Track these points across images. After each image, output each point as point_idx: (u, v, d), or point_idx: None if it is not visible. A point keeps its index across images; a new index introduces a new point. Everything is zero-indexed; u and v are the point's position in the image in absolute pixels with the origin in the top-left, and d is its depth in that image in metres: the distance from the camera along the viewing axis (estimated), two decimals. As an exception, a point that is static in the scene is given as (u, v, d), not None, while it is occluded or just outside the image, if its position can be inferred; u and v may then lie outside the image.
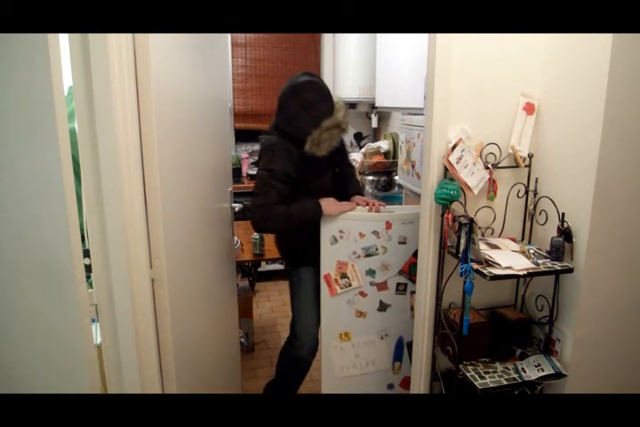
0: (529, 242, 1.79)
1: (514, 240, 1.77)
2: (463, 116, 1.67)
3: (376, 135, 4.20)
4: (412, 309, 2.06)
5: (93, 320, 1.20)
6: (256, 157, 3.95)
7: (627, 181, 1.52)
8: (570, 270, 1.57)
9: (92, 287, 1.20)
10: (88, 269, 1.18)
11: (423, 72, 1.80)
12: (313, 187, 1.98)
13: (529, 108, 1.70)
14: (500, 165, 1.73)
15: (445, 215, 1.66)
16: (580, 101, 1.53)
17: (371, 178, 3.39)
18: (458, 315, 1.65)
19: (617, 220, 1.55)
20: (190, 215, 1.59)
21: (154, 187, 1.29)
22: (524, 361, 1.69)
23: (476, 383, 1.60)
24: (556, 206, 1.62)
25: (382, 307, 2.09)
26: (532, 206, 1.76)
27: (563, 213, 1.60)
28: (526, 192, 1.77)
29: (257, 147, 4.13)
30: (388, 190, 3.37)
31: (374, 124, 4.07)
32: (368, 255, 2.02)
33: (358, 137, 4.18)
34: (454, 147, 1.64)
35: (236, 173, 3.81)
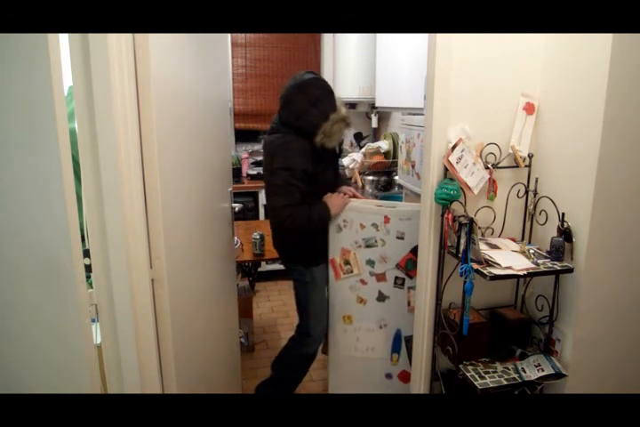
0: (529, 242, 1.79)
1: (514, 240, 1.77)
2: (463, 116, 1.67)
3: (376, 135, 4.20)
4: (408, 304, 2.10)
5: (93, 320, 1.20)
6: (256, 157, 3.99)
7: (627, 181, 1.52)
8: (570, 270, 1.57)
9: (91, 287, 1.20)
10: (88, 269, 1.18)
11: (423, 72, 1.81)
12: (320, 180, 2.00)
13: (529, 108, 1.70)
14: (500, 165, 1.73)
15: (445, 215, 1.66)
16: (579, 101, 1.53)
17: (371, 178, 3.39)
18: (458, 315, 1.65)
19: (617, 220, 1.55)
20: (190, 215, 1.59)
21: (154, 187, 1.29)
22: (524, 361, 1.69)
23: (475, 383, 1.60)
24: (555, 206, 1.62)
25: (381, 297, 2.14)
26: (531, 206, 1.76)
27: (563, 213, 1.60)
28: (526, 192, 1.77)
29: (257, 147, 4.14)
30: (387, 190, 3.37)
31: (374, 124, 4.07)
32: (368, 246, 2.10)
33: (358, 137, 4.18)
34: (454, 147, 1.64)
35: (236, 173, 3.81)
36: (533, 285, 1.80)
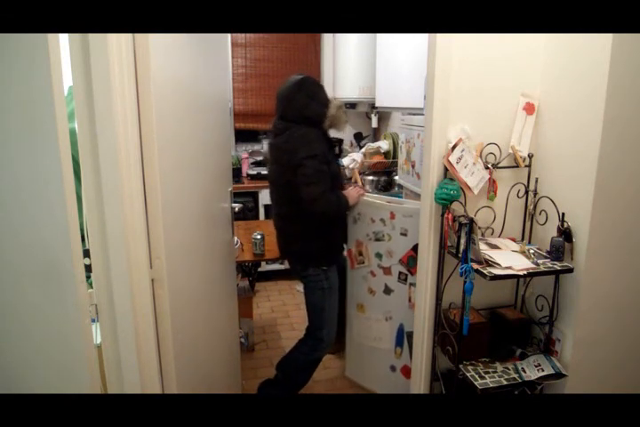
0: (529, 242, 1.79)
1: (514, 240, 1.77)
2: (463, 116, 1.68)
3: (376, 135, 4.20)
4: (409, 300, 2.13)
5: (93, 320, 1.20)
6: (256, 157, 4.00)
7: (627, 180, 1.52)
8: (570, 270, 1.57)
9: (91, 287, 1.20)
10: (88, 269, 1.18)
11: (423, 72, 1.81)
12: (332, 170, 2.06)
13: (529, 108, 1.70)
14: (500, 165, 1.73)
15: (445, 215, 1.66)
16: (580, 101, 1.53)
17: (371, 178, 3.39)
18: (458, 315, 1.65)
19: (617, 220, 1.55)
20: (190, 215, 1.59)
21: (154, 187, 1.29)
22: (524, 361, 1.69)
23: (475, 383, 1.60)
24: (555, 206, 1.62)
25: (387, 290, 2.21)
26: (532, 206, 1.76)
27: (563, 213, 1.60)
28: (526, 192, 1.77)
29: (257, 147, 4.14)
30: (388, 190, 3.37)
31: (374, 124, 4.06)
32: (377, 240, 2.20)
33: (358, 137, 4.18)
34: (454, 147, 1.64)
35: (236, 173, 3.81)
36: (533, 285, 1.80)
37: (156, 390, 1.36)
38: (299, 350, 2.25)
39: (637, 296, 1.65)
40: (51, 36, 0.97)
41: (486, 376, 1.64)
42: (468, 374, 1.65)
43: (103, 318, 1.23)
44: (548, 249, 1.63)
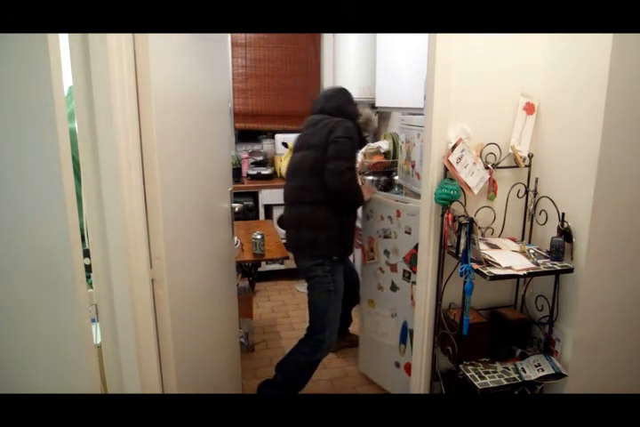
0: (529, 242, 1.79)
1: (514, 240, 1.77)
2: (463, 117, 1.68)
3: (376, 135, 4.20)
4: (411, 298, 2.14)
5: (93, 320, 1.20)
6: (257, 157, 3.99)
7: (627, 181, 1.52)
8: (570, 270, 1.57)
9: (91, 287, 1.20)
10: (88, 269, 1.18)
11: (423, 72, 1.81)
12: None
13: (529, 108, 1.70)
14: (500, 165, 1.73)
15: (445, 215, 1.66)
16: (580, 101, 1.53)
17: (371, 178, 3.39)
18: (458, 315, 1.65)
19: (617, 220, 1.55)
20: (190, 215, 1.59)
21: (154, 187, 1.29)
22: (524, 361, 1.69)
23: (475, 383, 1.60)
24: (555, 206, 1.62)
25: (393, 287, 2.24)
26: (532, 206, 1.76)
27: (563, 213, 1.60)
28: (526, 192, 1.77)
29: (257, 147, 4.14)
30: (387, 190, 3.37)
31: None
32: (385, 237, 2.25)
33: (358, 137, 4.17)
34: (454, 147, 1.64)
35: (236, 173, 3.81)
36: (533, 285, 1.80)
37: (156, 390, 1.36)
38: (299, 351, 2.25)
39: (637, 296, 1.65)
40: (51, 36, 0.97)
41: (486, 376, 1.64)
42: (468, 374, 1.65)
43: (103, 318, 1.23)
44: (548, 249, 1.63)
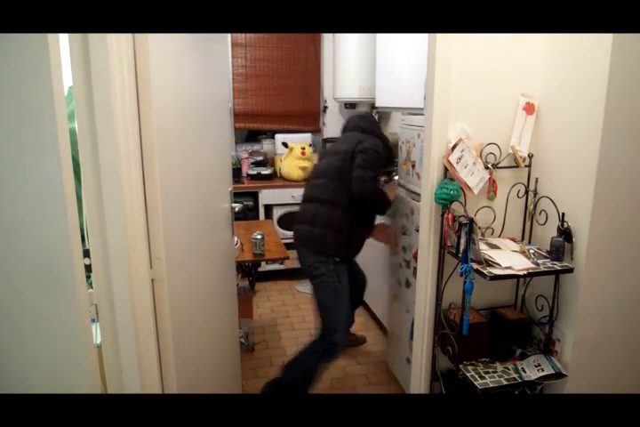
0: (529, 242, 1.79)
1: (514, 240, 1.77)
2: (463, 116, 1.68)
3: (376, 135, 4.19)
4: None
5: (93, 320, 1.20)
6: (256, 157, 3.99)
7: (627, 181, 1.52)
8: (570, 270, 1.57)
9: (91, 287, 1.20)
10: (88, 269, 1.18)
11: (423, 72, 1.81)
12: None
13: (529, 108, 1.70)
14: (500, 165, 1.73)
15: (445, 215, 1.66)
16: (580, 101, 1.53)
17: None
18: (458, 315, 1.65)
19: (617, 220, 1.55)
20: (190, 215, 1.59)
21: (154, 187, 1.29)
22: (524, 361, 1.69)
23: (475, 383, 1.60)
24: (556, 206, 1.62)
25: (407, 284, 2.27)
26: (532, 206, 1.76)
27: (563, 213, 1.60)
28: (526, 192, 1.77)
29: (257, 147, 4.14)
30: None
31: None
32: (403, 233, 2.32)
33: (358, 137, 4.17)
34: (454, 147, 1.64)
35: (236, 173, 3.81)
36: (533, 285, 1.80)
37: (156, 390, 1.36)
38: (311, 353, 2.22)
39: (637, 296, 1.65)
40: (51, 36, 0.97)
41: (486, 376, 1.64)
42: (468, 374, 1.65)
43: (103, 318, 1.23)
44: (548, 249, 1.63)
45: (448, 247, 1.71)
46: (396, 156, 2.51)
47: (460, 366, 1.69)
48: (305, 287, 3.74)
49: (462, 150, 1.65)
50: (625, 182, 1.52)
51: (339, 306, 2.19)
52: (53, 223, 1.06)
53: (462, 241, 1.56)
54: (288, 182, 3.82)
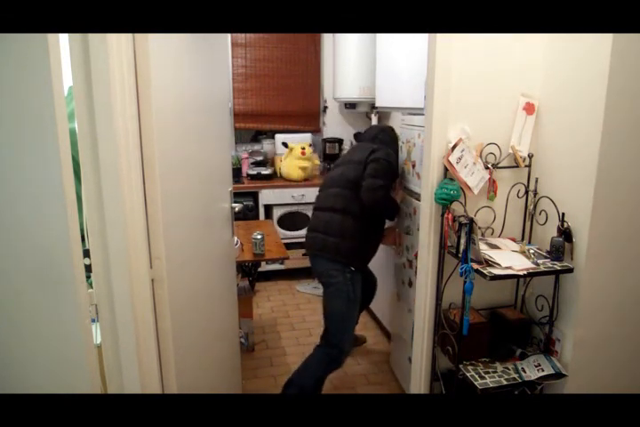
0: (529, 242, 1.79)
1: (514, 240, 1.77)
2: (463, 116, 1.68)
3: (376, 135, 4.19)
4: None
5: (93, 320, 1.20)
6: (256, 157, 3.99)
7: (627, 181, 1.52)
8: (570, 270, 1.57)
9: (91, 287, 1.20)
10: (88, 269, 1.18)
11: (423, 72, 1.81)
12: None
13: (529, 108, 1.70)
14: (500, 165, 1.73)
15: (445, 215, 1.66)
16: (580, 101, 1.53)
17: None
18: (458, 315, 1.65)
19: (617, 219, 1.55)
20: (190, 215, 1.59)
21: (154, 187, 1.29)
22: (524, 361, 1.69)
23: (475, 383, 1.60)
24: (556, 206, 1.62)
25: (410, 283, 2.27)
26: (532, 206, 1.76)
27: (563, 213, 1.60)
28: (526, 192, 1.77)
29: (257, 147, 4.14)
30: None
31: (374, 123, 4.07)
32: (407, 233, 2.33)
33: (358, 137, 4.17)
34: (454, 147, 1.64)
35: (236, 173, 3.81)
36: (533, 285, 1.80)
37: (156, 390, 1.36)
38: (317, 361, 2.19)
39: (637, 296, 1.65)
40: (51, 36, 0.97)
41: (486, 376, 1.64)
42: (467, 374, 1.65)
43: (103, 318, 1.23)
44: (548, 249, 1.63)
45: (448, 247, 1.71)
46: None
47: (460, 366, 1.69)
48: (305, 287, 3.74)
49: (462, 150, 1.65)
50: (625, 182, 1.52)
51: (349, 315, 2.20)
52: (53, 223, 1.06)
53: (462, 241, 1.56)
54: (288, 182, 3.82)
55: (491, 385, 1.59)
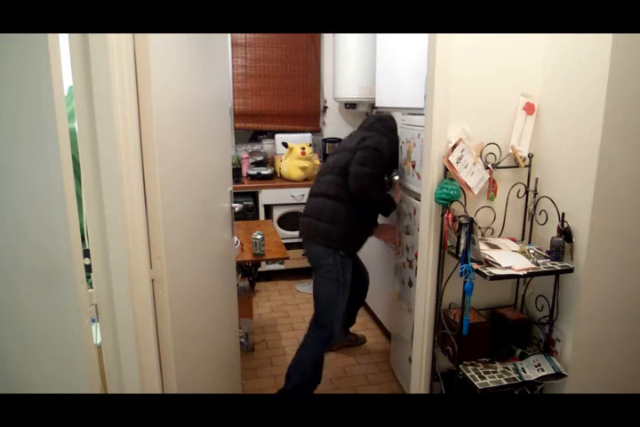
0: (529, 242, 1.79)
1: (514, 240, 1.77)
2: (463, 116, 1.68)
3: (376, 135, 4.19)
4: None
5: (93, 320, 1.20)
6: (257, 157, 3.99)
7: (627, 180, 1.52)
8: (570, 270, 1.57)
9: (91, 287, 1.20)
10: (88, 269, 1.18)
11: (423, 72, 1.81)
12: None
13: (529, 108, 1.70)
14: (500, 165, 1.73)
15: (445, 215, 1.66)
16: (580, 101, 1.53)
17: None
18: (458, 315, 1.65)
19: (617, 219, 1.55)
20: (190, 215, 1.59)
21: (154, 187, 1.29)
22: (524, 361, 1.69)
23: (475, 383, 1.60)
24: (556, 206, 1.62)
25: (410, 283, 2.27)
26: (532, 206, 1.76)
27: (563, 213, 1.60)
28: (526, 192, 1.77)
29: (257, 147, 4.14)
30: (387, 190, 3.36)
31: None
32: (407, 233, 2.32)
33: (358, 137, 4.17)
34: (454, 147, 1.64)
35: (236, 173, 3.81)
36: (533, 285, 1.80)
37: (156, 390, 1.36)
38: (309, 345, 2.25)
39: (637, 296, 1.65)
40: (51, 36, 0.97)
41: (486, 376, 1.64)
42: (468, 374, 1.65)
43: (103, 318, 1.23)
44: (548, 249, 1.63)
45: (448, 247, 1.71)
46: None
47: (460, 366, 1.69)
48: (305, 287, 3.74)
49: (462, 150, 1.65)
50: (625, 182, 1.52)
51: (339, 299, 2.24)
52: (53, 223, 1.06)
53: (462, 241, 1.56)
54: (288, 182, 3.82)
55: (491, 385, 1.59)
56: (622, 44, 1.38)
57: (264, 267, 3.81)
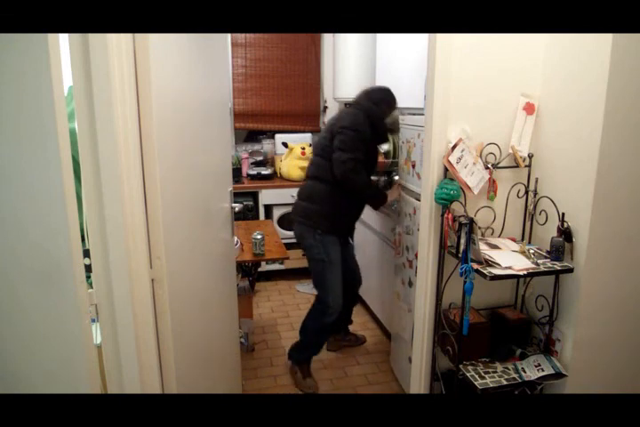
0: (529, 242, 1.79)
1: (514, 240, 1.77)
2: (463, 116, 1.68)
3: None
4: None
5: (93, 320, 1.20)
6: (257, 157, 3.99)
7: (627, 180, 1.52)
8: (570, 270, 1.57)
9: (91, 287, 1.20)
10: (88, 269, 1.18)
11: (423, 72, 1.81)
12: (370, 160, 2.37)
13: (529, 108, 1.70)
14: (500, 165, 1.73)
15: (445, 215, 1.66)
16: (580, 101, 1.53)
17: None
18: (458, 315, 1.65)
19: (617, 219, 1.55)
20: (190, 215, 1.59)
21: (154, 187, 1.29)
22: (524, 361, 1.69)
23: (475, 383, 1.60)
24: (556, 206, 1.62)
25: (410, 283, 2.28)
26: (532, 206, 1.76)
27: (563, 213, 1.60)
28: (526, 192, 1.77)
29: (257, 147, 4.14)
30: (387, 190, 3.37)
31: None
32: (407, 233, 2.32)
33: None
34: (454, 147, 1.64)
35: (236, 173, 3.81)
36: (533, 285, 1.80)
37: (156, 390, 1.36)
38: (310, 317, 2.50)
39: (637, 296, 1.65)
40: (51, 36, 0.97)
41: (486, 376, 1.64)
42: (468, 374, 1.65)
43: (103, 318, 1.23)
44: (548, 249, 1.63)
45: (448, 247, 1.71)
46: (395, 132, 2.47)
47: (460, 366, 1.69)
48: (305, 287, 3.74)
49: (462, 150, 1.65)
50: (625, 182, 1.52)
51: (328, 276, 2.35)
52: (53, 223, 1.06)
53: (462, 241, 1.56)
54: (288, 182, 3.82)
55: (491, 385, 1.59)
56: (622, 44, 1.38)
57: (264, 267, 3.81)
